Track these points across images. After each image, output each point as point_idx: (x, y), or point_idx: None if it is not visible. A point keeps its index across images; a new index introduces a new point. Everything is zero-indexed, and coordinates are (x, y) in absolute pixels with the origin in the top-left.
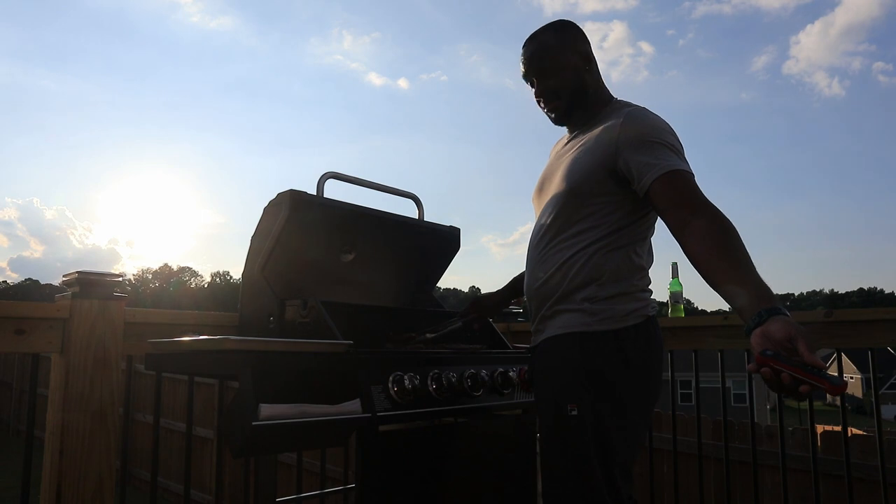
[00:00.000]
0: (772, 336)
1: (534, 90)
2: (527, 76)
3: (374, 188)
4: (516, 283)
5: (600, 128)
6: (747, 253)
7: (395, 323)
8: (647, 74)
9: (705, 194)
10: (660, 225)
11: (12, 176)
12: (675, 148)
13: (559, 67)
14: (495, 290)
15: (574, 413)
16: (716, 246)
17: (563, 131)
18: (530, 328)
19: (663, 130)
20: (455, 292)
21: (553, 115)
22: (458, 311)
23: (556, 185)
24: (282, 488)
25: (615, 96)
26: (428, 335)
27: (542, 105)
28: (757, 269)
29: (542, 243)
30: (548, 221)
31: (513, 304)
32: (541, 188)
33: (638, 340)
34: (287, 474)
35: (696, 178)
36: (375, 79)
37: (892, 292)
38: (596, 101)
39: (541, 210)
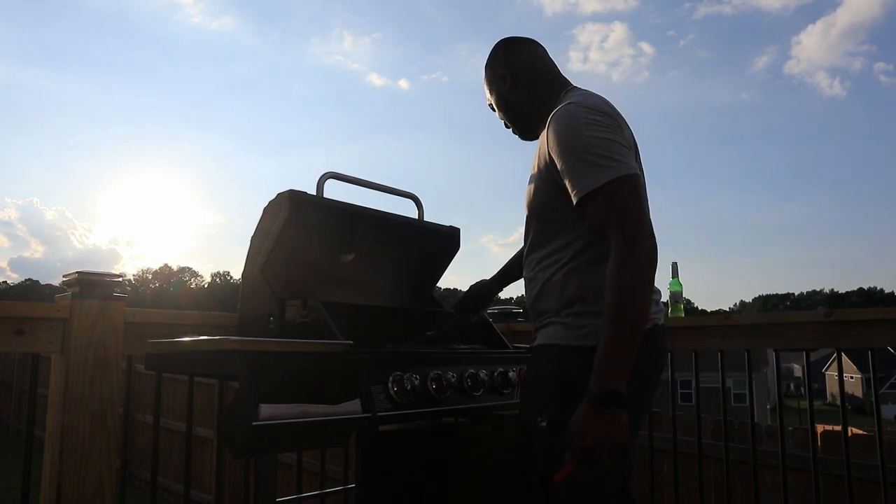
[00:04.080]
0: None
1: None
2: None
3: (373, 188)
4: (510, 267)
5: (540, 140)
6: (626, 304)
7: (395, 323)
8: (647, 75)
9: (641, 202)
10: (659, 226)
11: (12, 176)
12: (595, 153)
13: (491, 99)
14: (488, 277)
15: (543, 424)
16: (608, 297)
17: None
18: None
19: (578, 134)
20: (455, 292)
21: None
22: (455, 311)
23: (524, 205)
24: (282, 488)
25: (575, 86)
26: (428, 333)
27: None
28: (625, 325)
29: (527, 262)
30: (527, 241)
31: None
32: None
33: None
34: (287, 474)
35: (621, 179)
36: (376, 79)
37: (892, 292)
38: (539, 109)
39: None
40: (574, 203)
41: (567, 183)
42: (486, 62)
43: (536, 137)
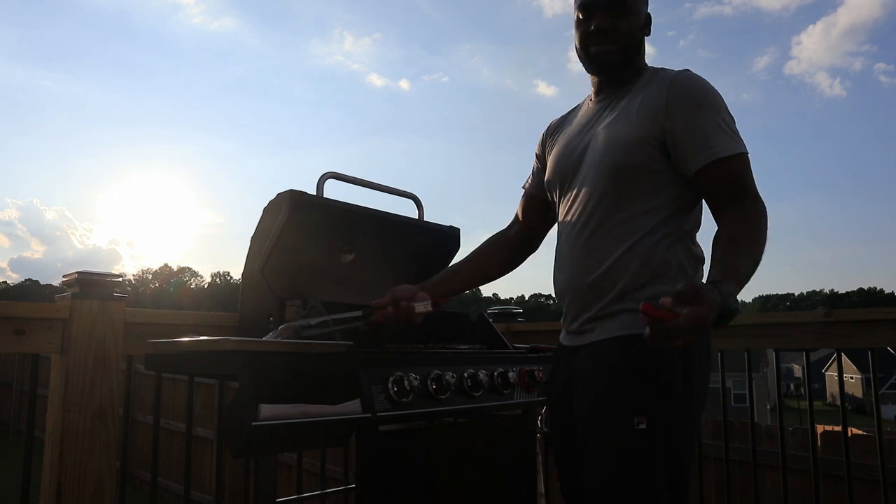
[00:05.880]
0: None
1: (589, 25)
2: (592, 7)
3: (373, 188)
4: (446, 279)
5: (641, 94)
6: (759, 247)
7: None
8: None
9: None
10: None
11: (12, 176)
12: (726, 122)
13: (633, 12)
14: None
15: (643, 427)
16: (746, 237)
17: (556, 115)
18: (565, 326)
19: (716, 101)
20: None
21: (600, 60)
22: (456, 311)
23: (594, 162)
24: (282, 488)
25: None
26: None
27: (593, 45)
28: (753, 266)
29: (588, 230)
30: (592, 204)
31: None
32: (562, 167)
33: (702, 345)
34: (287, 474)
35: (747, 155)
36: (376, 80)
37: (892, 292)
38: (637, 65)
39: (572, 193)
40: (689, 163)
41: (692, 140)
42: None
43: (605, 75)
